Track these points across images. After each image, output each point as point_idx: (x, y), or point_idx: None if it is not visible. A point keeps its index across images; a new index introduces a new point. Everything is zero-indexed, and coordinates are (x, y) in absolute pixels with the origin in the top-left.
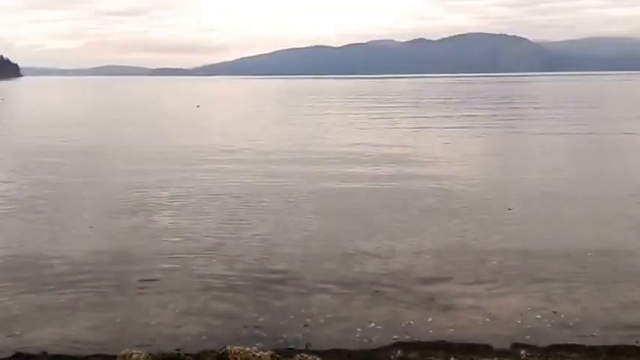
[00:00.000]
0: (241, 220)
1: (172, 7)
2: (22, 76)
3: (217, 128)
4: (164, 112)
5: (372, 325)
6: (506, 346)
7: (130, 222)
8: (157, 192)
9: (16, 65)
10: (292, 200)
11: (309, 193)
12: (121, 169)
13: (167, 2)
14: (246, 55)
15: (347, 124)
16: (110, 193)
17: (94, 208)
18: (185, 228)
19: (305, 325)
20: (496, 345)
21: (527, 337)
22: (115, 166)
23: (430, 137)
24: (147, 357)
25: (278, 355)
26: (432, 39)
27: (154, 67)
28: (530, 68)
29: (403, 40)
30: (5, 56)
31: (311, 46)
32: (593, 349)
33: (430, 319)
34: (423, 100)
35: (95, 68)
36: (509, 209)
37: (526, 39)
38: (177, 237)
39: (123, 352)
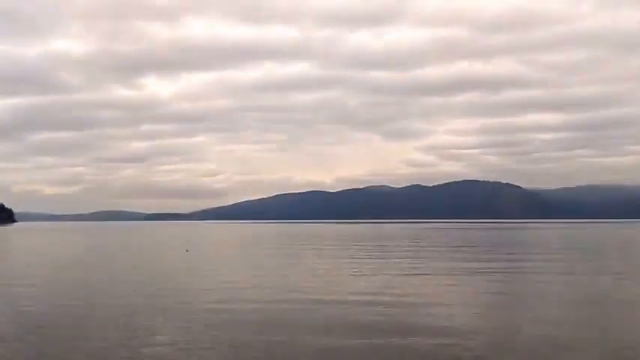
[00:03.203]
0: None
1: (174, 154)
2: (15, 221)
3: (204, 275)
4: (151, 258)
5: None
6: None
7: None
8: (139, 347)
9: (10, 210)
10: None
11: None
12: (105, 324)
13: (169, 149)
14: (243, 199)
15: (340, 270)
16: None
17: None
18: None
19: None
20: None
21: None
22: (97, 324)
23: (427, 286)
24: None
25: None
26: (427, 185)
27: (150, 212)
28: (526, 215)
29: (398, 186)
30: (1, 201)
31: (308, 191)
32: None
33: None
34: (419, 247)
35: (90, 214)
36: None
37: (520, 187)
38: None
39: None
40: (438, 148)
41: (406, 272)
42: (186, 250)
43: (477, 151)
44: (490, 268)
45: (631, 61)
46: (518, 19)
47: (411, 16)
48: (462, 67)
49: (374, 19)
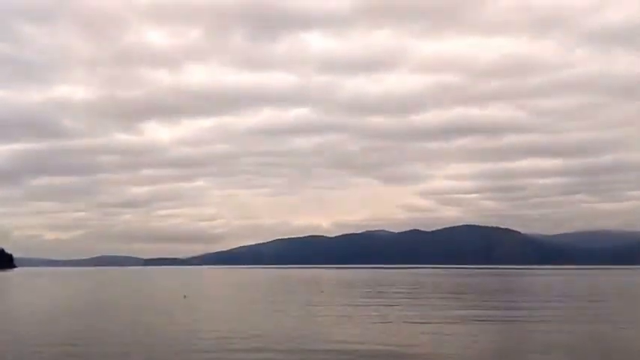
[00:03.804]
0: None
1: (173, 199)
2: (15, 267)
3: (202, 321)
4: (150, 304)
5: None
6: None
7: None
8: None
9: (10, 256)
10: None
11: None
12: None
13: (168, 194)
14: (241, 244)
15: (338, 318)
16: None
17: None
18: None
19: None
20: None
21: None
22: None
23: (428, 334)
24: None
25: None
26: (426, 230)
27: (149, 257)
28: (525, 260)
29: (397, 231)
30: (1, 246)
31: (306, 236)
32: None
33: None
34: (418, 293)
35: (90, 259)
36: None
37: (519, 232)
38: None
39: None
40: (436, 193)
41: (406, 320)
42: (184, 296)
43: (475, 195)
44: (490, 316)
45: (627, 105)
46: (513, 65)
47: (408, 63)
48: (459, 113)
49: (372, 66)
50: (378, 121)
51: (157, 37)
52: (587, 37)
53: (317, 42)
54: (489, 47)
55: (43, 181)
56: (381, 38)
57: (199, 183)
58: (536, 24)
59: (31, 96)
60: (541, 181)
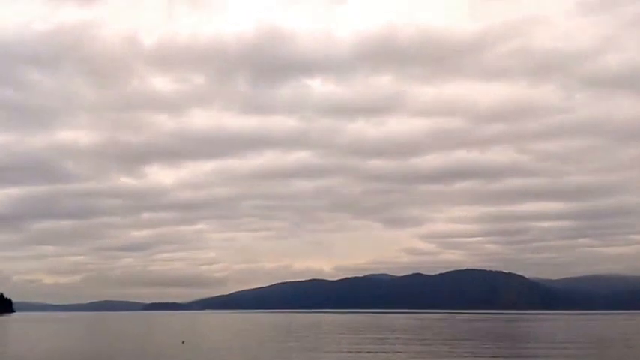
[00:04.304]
0: None
1: (174, 242)
2: (14, 311)
3: None
4: (147, 350)
5: None
6: None
7: None
8: None
9: (9, 300)
10: None
11: None
12: None
13: (169, 237)
14: (242, 288)
15: None
16: None
17: None
18: None
19: None
20: None
21: None
22: None
23: None
24: None
25: None
26: (429, 273)
27: (149, 302)
28: (529, 305)
29: (399, 275)
30: (0, 291)
31: (307, 280)
32: None
33: None
34: (421, 339)
35: (90, 304)
36: None
37: (522, 276)
38: None
39: None
40: (438, 237)
41: None
42: (182, 342)
43: (477, 239)
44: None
45: (629, 149)
46: (513, 109)
47: (408, 107)
48: (459, 156)
49: (372, 110)
50: (378, 164)
51: (161, 82)
52: (587, 81)
53: (318, 87)
54: (489, 92)
55: (43, 225)
56: (381, 83)
57: (200, 226)
58: (535, 68)
59: (34, 141)
60: (544, 224)
